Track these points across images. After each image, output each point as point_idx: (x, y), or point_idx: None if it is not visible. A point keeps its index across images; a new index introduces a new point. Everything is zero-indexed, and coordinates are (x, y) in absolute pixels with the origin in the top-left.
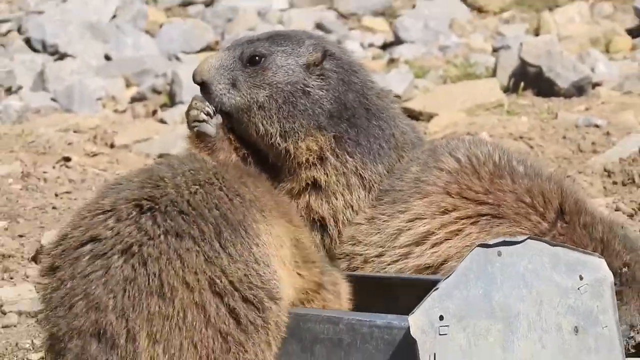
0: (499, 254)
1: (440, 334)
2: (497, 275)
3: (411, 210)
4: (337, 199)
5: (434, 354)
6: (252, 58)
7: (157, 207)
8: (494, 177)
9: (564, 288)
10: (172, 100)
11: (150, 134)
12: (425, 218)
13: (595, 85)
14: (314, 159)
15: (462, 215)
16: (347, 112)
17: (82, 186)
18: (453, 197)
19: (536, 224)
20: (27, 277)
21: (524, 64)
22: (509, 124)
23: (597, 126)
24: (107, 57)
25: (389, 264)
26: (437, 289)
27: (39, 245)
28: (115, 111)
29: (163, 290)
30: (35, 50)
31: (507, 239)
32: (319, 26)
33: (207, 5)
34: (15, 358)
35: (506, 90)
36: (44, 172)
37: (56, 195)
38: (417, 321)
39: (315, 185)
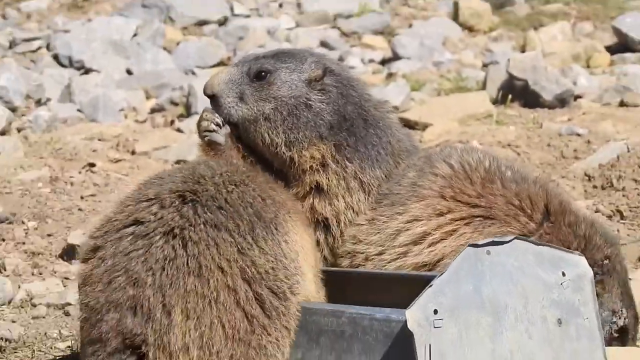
0: (488, 252)
1: (434, 327)
2: (487, 272)
3: (409, 212)
4: (338, 201)
5: (429, 345)
6: (258, 73)
7: (198, 199)
8: (485, 182)
9: (547, 283)
10: (188, 111)
11: (168, 142)
12: (422, 219)
13: (577, 97)
14: (317, 165)
15: (457, 217)
16: (346, 122)
17: (105, 189)
18: (448, 201)
19: (524, 225)
20: (55, 272)
21: (511, 78)
22: (497, 133)
23: (578, 135)
24: (129, 72)
25: (388, 262)
26: (431, 285)
27: (66, 244)
28: (136, 121)
29: (201, 271)
30: (62, 65)
31: (496, 239)
32: (323, 44)
33: (220, 24)
34: (44, 346)
35: (495, 102)
36: (71, 177)
37: (82, 198)
38: (414, 315)
39: (318, 189)
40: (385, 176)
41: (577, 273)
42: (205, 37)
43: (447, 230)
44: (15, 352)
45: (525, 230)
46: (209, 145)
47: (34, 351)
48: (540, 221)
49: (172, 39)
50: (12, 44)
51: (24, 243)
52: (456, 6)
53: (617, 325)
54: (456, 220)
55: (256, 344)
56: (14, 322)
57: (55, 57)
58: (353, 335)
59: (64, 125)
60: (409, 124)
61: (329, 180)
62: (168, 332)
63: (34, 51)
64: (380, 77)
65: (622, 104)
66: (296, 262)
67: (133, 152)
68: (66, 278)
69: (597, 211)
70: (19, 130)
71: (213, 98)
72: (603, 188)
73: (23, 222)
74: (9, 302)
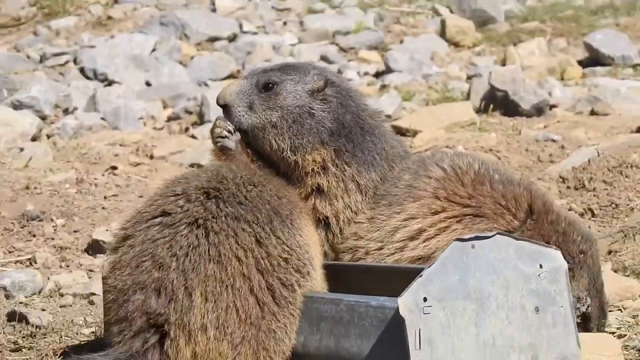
0: (473, 246)
1: (424, 313)
2: (471, 264)
3: (406, 211)
4: (337, 201)
5: (419, 330)
6: (266, 85)
7: (220, 196)
8: (475, 184)
9: (526, 275)
10: (201, 119)
11: (183, 147)
12: (418, 218)
13: (552, 107)
14: (318, 168)
15: (449, 215)
16: (345, 130)
17: (126, 190)
18: (441, 201)
19: (509, 222)
20: (81, 265)
21: (492, 89)
22: (480, 139)
23: (553, 141)
24: (148, 84)
25: (387, 256)
26: (421, 275)
27: (91, 239)
28: (154, 128)
29: (220, 258)
30: (88, 78)
31: (480, 234)
32: (323, 58)
33: (230, 40)
34: (70, 332)
35: (478, 111)
36: (95, 179)
37: (105, 197)
38: (405, 302)
39: (319, 190)
40: (380, 179)
41: (553, 266)
42: (217, 52)
43: (441, 227)
44: (44, 338)
45: (509, 227)
46: (222, 151)
47: (61, 337)
48: (523, 219)
49: (187, 54)
50: (43, 59)
51: (52, 239)
52: (443, 24)
53: (580, 312)
54: (449, 218)
55: (266, 328)
56: (43, 310)
57: (82, 71)
58: (350, 321)
59: (89, 132)
60: (401, 131)
61: (328, 182)
62: (189, 312)
63: (62, 65)
64: (374, 88)
65: (592, 112)
66: (309, 253)
67: (151, 157)
68: (91, 270)
69: (570, 209)
70: (48, 136)
71: (225, 107)
72: (576, 189)
73: (52, 220)
74: (39, 292)
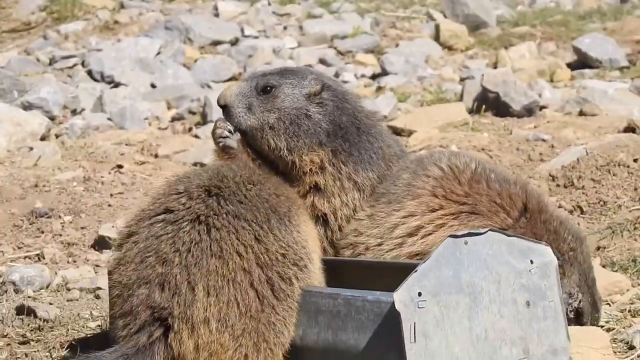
0: (466, 242)
1: (419, 307)
2: (465, 260)
3: (405, 209)
4: (335, 199)
5: (414, 323)
6: (265, 88)
7: (221, 194)
8: (472, 183)
9: (518, 270)
10: (204, 120)
11: (186, 146)
12: (417, 215)
13: (542, 107)
14: (316, 168)
15: (447, 213)
16: (341, 130)
17: (132, 188)
18: (439, 199)
19: (503, 220)
20: (87, 261)
21: (485, 90)
22: (473, 139)
23: (543, 140)
24: (153, 85)
25: (386, 252)
26: (416, 271)
27: (97, 236)
28: (159, 128)
29: (222, 253)
30: (95, 80)
31: (472, 231)
32: (322, 61)
33: (232, 44)
34: (77, 325)
35: (471, 111)
36: (102, 177)
37: (111, 195)
38: (400, 297)
39: (317, 188)
40: (378, 177)
41: (543, 261)
42: (219, 55)
43: (438, 223)
44: (52, 331)
45: (503, 224)
46: (223, 150)
47: (68, 330)
48: (517, 217)
49: (190, 57)
50: (52, 61)
51: (60, 235)
52: (437, 28)
53: (572, 307)
54: (446, 216)
55: (266, 321)
56: (51, 304)
57: (89, 73)
58: (347, 315)
59: (96, 132)
60: (396, 131)
61: (326, 181)
62: (191, 306)
63: (70, 67)
64: (370, 90)
65: (581, 113)
66: (306, 248)
67: (156, 156)
68: (97, 266)
69: (560, 207)
70: (57, 136)
71: (225, 108)
72: (565, 187)
73: (60, 217)
74: (47, 287)
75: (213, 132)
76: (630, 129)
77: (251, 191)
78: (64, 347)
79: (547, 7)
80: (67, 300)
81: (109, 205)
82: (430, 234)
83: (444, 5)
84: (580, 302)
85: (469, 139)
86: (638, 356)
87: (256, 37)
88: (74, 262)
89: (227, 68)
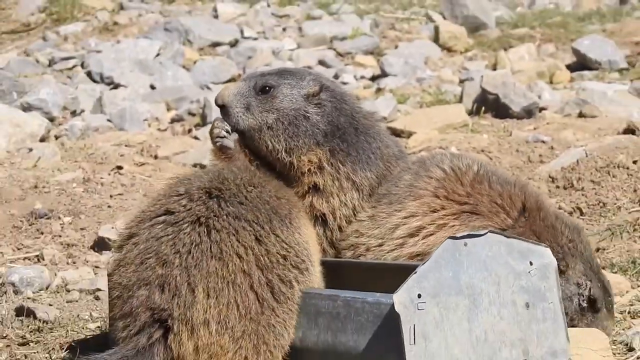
0: (465, 244)
1: (418, 309)
2: (464, 261)
3: (406, 210)
4: (333, 198)
5: (414, 325)
6: (263, 88)
7: (222, 195)
8: (475, 183)
9: (517, 271)
10: (203, 121)
11: (186, 147)
12: (418, 215)
13: (542, 109)
14: (314, 168)
15: (448, 213)
16: (339, 131)
17: (131, 189)
18: (441, 199)
19: (503, 220)
20: (87, 262)
21: (484, 92)
22: (472, 140)
23: (543, 142)
24: (152, 87)
25: (387, 252)
26: (415, 272)
27: (97, 237)
28: (158, 130)
29: (222, 255)
30: (95, 81)
31: (472, 232)
32: (321, 62)
33: (232, 46)
34: (76, 327)
35: (470, 113)
36: (101, 178)
37: (111, 196)
38: (400, 298)
39: (315, 188)
40: (376, 177)
41: (542, 263)
42: (219, 57)
43: (439, 224)
44: (51, 332)
45: (503, 224)
46: (221, 150)
47: (67, 331)
48: (516, 217)
49: (190, 58)
50: (51, 63)
51: (60, 236)
52: (436, 30)
53: (584, 296)
54: (447, 216)
55: (266, 323)
56: (50, 305)
57: (89, 74)
58: (347, 317)
59: (95, 133)
60: (396, 132)
61: (324, 181)
62: (191, 307)
63: (70, 69)
64: (370, 91)
65: (580, 115)
66: (308, 250)
67: (156, 157)
68: (97, 267)
69: (559, 208)
70: (56, 137)
71: (223, 108)
72: (565, 188)
73: (59, 218)
74: (47, 288)
75: (210, 132)
76: (629, 130)
77: (252, 193)
78: (63, 349)
79: (546, 8)
80: (67, 302)
81: (109, 207)
82: (431, 234)
83: (443, 7)
84: (590, 289)
85: (468, 140)
86: (637, 358)
87: (255, 39)
88: (74, 263)
89: (226, 69)
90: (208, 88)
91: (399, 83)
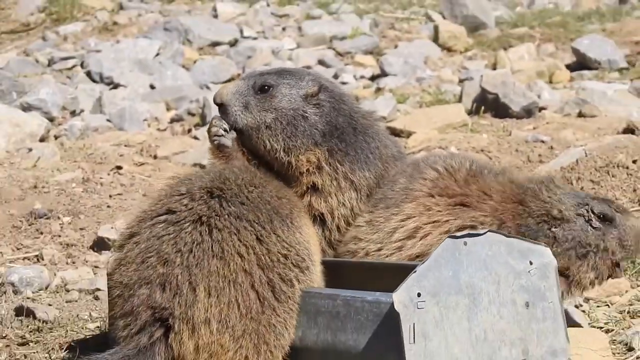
0: (465, 243)
1: (418, 308)
2: (464, 260)
3: (403, 212)
4: (332, 198)
5: (413, 324)
6: (262, 87)
7: (224, 195)
8: (468, 178)
9: (517, 271)
10: (203, 121)
11: (185, 147)
12: (415, 216)
13: (541, 109)
14: (313, 168)
15: (441, 209)
16: (337, 131)
17: (131, 189)
18: (435, 198)
19: (491, 206)
20: (86, 262)
21: (484, 92)
22: (472, 140)
23: (542, 141)
24: (152, 86)
25: (386, 256)
26: (415, 271)
27: (96, 237)
28: (158, 129)
29: (223, 254)
30: (94, 81)
31: (472, 232)
32: (321, 62)
33: (231, 45)
34: (76, 327)
35: (470, 113)
36: (101, 178)
37: (110, 196)
38: (400, 297)
39: (314, 188)
40: (375, 177)
41: (542, 262)
42: (218, 57)
43: (433, 220)
44: (51, 332)
45: (492, 213)
46: (218, 149)
47: (67, 331)
48: (499, 201)
49: (189, 58)
50: (51, 62)
51: (59, 236)
52: (436, 30)
53: (593, 218)
54: (440, 212)
55: (266, 323)
56: (50, 305)
57: (88, 74)
58: (347, 316)
59: (95, 133)
60: (395, 132)
61: (323, 181)
62: (192, 306)
63: (69, 69)
64: (370, 91)
65: (580, 114)
66: (308, 250)
67: (155, 157)
68: (96, 267)
69: None
70: (56, 137)
71: (221, 106)
72: None
73: (59, 218)
74: (46, 288)
75: (208, 130)
76: (629, 130)
77: (253, 193)
78: (63, 348)
79: (545, 8)
80: (66, 302)
81: (108, 207)
82: (428, 234)
83: (442, 7)
84: (592, 208)
85: (468, 140)
86: (637, 357)
87: (255, 38)
88: (73, 263)
89: (226, 69)
90: (208, 88)
91: (399, 83)
